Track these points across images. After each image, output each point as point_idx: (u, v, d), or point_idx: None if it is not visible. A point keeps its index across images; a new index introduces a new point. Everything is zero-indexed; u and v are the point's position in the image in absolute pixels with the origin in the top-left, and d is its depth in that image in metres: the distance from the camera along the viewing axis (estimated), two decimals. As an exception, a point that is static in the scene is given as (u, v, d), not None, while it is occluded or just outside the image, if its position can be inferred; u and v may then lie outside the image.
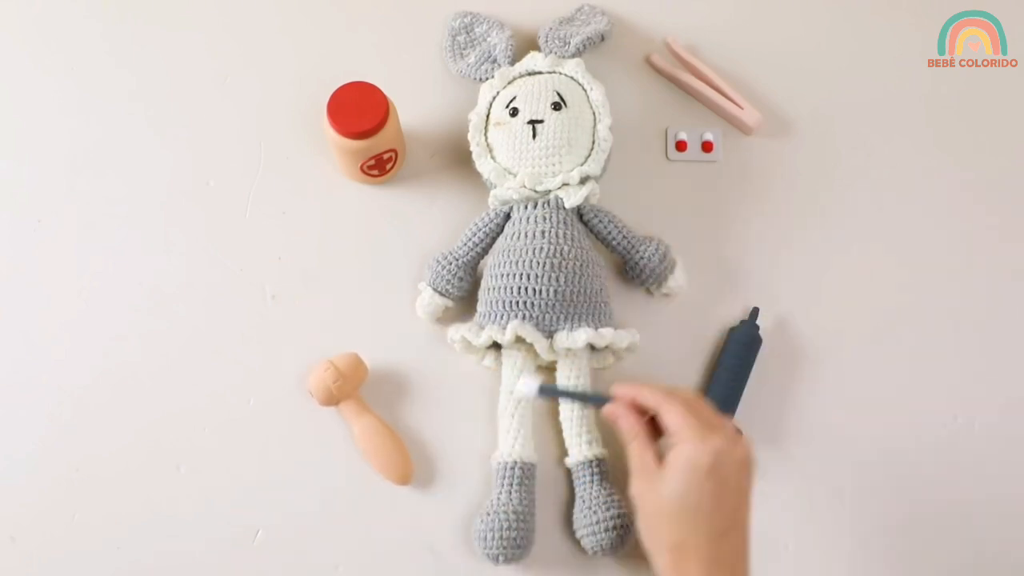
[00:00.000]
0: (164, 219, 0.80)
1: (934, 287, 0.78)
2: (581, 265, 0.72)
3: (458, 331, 0.73)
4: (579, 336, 0.70)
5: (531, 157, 0.74)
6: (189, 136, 0.82)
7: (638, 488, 0.61)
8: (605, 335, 0.71)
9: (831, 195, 0.80)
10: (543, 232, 0.72)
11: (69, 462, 0.74)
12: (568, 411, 0.73)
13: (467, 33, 0.83)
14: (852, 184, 0.81)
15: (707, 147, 0.81)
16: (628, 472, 0.63)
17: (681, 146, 0.81)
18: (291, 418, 0.75)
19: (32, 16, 0.86)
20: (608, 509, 0.70)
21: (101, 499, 0.74)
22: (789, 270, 0.79)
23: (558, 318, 0.72)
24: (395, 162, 0.79)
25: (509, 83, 0.78)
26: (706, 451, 0.58)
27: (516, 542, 0.69)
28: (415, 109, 0.80)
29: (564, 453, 0.73)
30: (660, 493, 0.59)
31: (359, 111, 0.73)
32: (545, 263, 0.71)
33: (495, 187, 0.75)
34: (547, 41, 0.80)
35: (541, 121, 0.74)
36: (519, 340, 0.72)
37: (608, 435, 0.72)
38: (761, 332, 0.76)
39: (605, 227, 0.75)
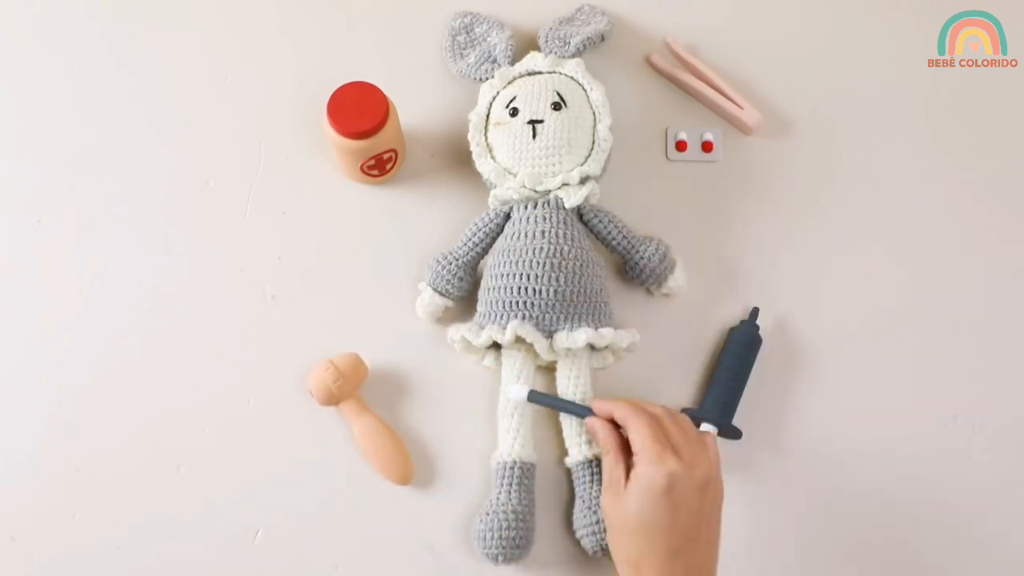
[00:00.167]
0: (164, 219, 0.80)
1: (934, 287, 0.78)
2: (581, 265, 0.72)
3: (458, 331, 0.73)
4: (579, 336, 0.70)
5: (531, 157, 0.74)
6: (189, 136, 0.82)
7: (605, 502, 0.66)
8: (605, 335, 0.71)
9: (831, 195, 0.81)
10: (543, 232, 0.72)
11: (69, 462, 0.74)
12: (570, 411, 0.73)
13: (467, 33, 0.83)
14: (852, 184, 0.81)
15: (707, 147, 0.81)
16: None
17: (681, 146, 0.81)
18: (291, 418, 0.75)
19: (32, 16, 0.86)
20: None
21: (101, 499, 0.74)
22: (789, 270, 0.79)
23: (558, 318, 0.72)
24: (395, 162, 0.79)
25: (509, 83, 0.78)
26: (660, 473, 0.62)
27: (516, 542, 0.69)
28: (415, 109, 0.80)
29: (564, 453, 0.73)
30: (622, 509, 0.63)
31: (359, 111, 0.73)
32: (545, 263, 0.71)
33: (495, 187, 0.75)
34: (547, 41, 0.80)
35: (541, 121, 0.74)
36: (519, 340, 0.72)
37: (608, 435, 0.72)
38: (761, 332, 0.76)
39: (605, 227, 0.75)
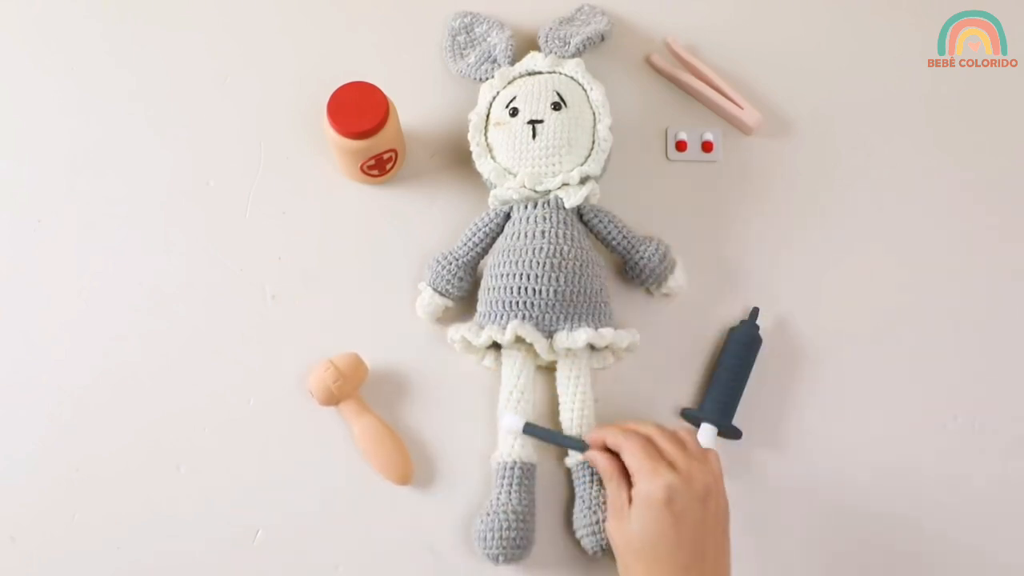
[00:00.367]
0: (164, 219, 0.80)
1: (934, 287, 0.78)
2: (581, 265, 0.72)
3: (458, 331, 0.73)
4: (579, 336, 0.70)
5: (531, 157, 0.74)
6: (189, 136, 0.82)
7: (611, 528, 0.65)
8: (605, 335, 0.71)
9: (831, 195, 0.81)
10: (543, 232, 0.72)
11: (69, 462, 0.74)
12: (568, 411, 0.73)
13: (467, 33, 0.83)
14: (852, 184, 0.81)
15: (707, 147, 0.81)
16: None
17: (681, 146, 0.81)
18: (291, 418, 0.75)
19: (32, 16, 0.86)
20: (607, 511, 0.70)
21: (101, 499, 0.74)
22: (789, 270, 0.79)
23: (558, 318, 0.72)
24: (395, 162, 0.79)
25: (509, 83, 0.78)
26: (657, 486, 0.62)
27: (516, 542, 0.69)
28: (415, 109, 0.80)
29: (564, 453, 0.73)
30: (626, 531, 0.63)
31: (359, 111, 0.73)
32: (545, 263, 0.71)
33: (495, 187, 0.75)
34: (547, 41, 0.80)
35: (541, 121, 0.74)
36: (519, 340, 0.72)
37: (608, 435, 0.72)
38: (761, 332, 0.76)
39: (605, 227, 0.75)
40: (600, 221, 0.75)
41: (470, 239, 0.75)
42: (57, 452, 0.74)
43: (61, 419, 0.75)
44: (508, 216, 0.75)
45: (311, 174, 0.81)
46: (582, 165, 0.74)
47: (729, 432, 0.73)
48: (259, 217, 0.80)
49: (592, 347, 0.73)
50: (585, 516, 0.70)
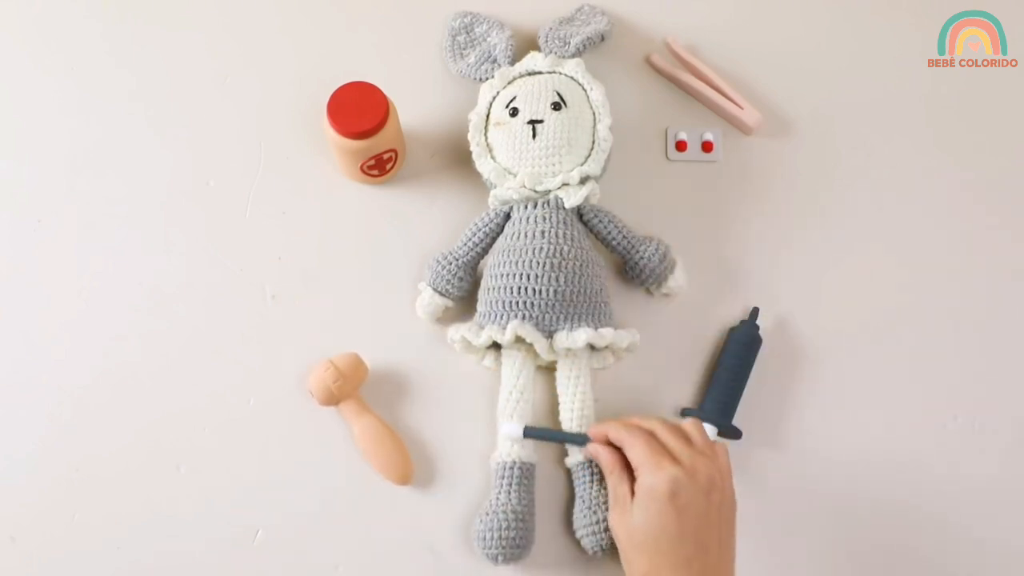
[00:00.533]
0: (164, 219, 0.80)
1: (934, 287, 0.78)
2: (581, 265, 0.72)
3: (458, 331, 0.73)
4: (579, 336, 0.70)
5: (531, 157, 0.74)
6: (189, 136, 0.82)
7: (613, 520, 0.66)
8: (605, 335, 0.71)
9: (831, 195, 0.81)
10: (543, 232, 0.72)
11: (69, 462, 0.74)
12: (568, 411, 0.73)
13: (467, 33, 0.83)
14: (852, 184, 0.81)
15: (707, 147, 0.81)
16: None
17: (681, 146, 0.81)
18: (291, 418, 0.75)
19: (32, 16, 0.86)
20: (608, 509, 0.70)
21: (101, 499, 0.74)
22: (789, 270, 0.79)
23: (558, 318, 0.72)
24: (395, 162, 0.79)
25: (509, 83, 0.78)
26: (661, 479, 0.62)
27: (516, 542, 0.69)
28: (415, 109, 0.80)
29: (564, 453, 0.73)
30: (629, 523, 0.63)
31: (359, 111, 0.73)
32: (545, 263, 0.71)
33: (495, 187, 0.75)
34: (547, 41, 0.80)
35: (541, 121, 0.74)
36: (519, 340, 0.72)
37: (608, 435, 0.72)
38: (761, 332, 0.76)
39: (605, 227, 0.75)
40: (600, 221, 0.75)
41: (470, 239, 0.75)
42: (57, 452, 0.74)
43: (61, 419, 0.75)
44: (508, 216, 0.75)
45: (311, 174, 0.81)
46: (582, 165, 0.74)
47: (729, 432, 0.73)
48: (259, 217, 0.80)
49: (592, 347, 0.73)
50: (585, 516, 0.70)
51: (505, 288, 0.72)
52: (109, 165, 0.81)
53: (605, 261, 0.77)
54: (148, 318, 0.77)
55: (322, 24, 0.85)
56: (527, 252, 0.72)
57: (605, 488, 0.71)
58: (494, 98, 0.78)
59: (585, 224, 0.76)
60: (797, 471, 0.74)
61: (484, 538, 0.69)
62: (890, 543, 0.73)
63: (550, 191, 0.74)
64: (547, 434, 0.72)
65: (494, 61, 0.80)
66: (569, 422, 0.73)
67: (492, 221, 0.75)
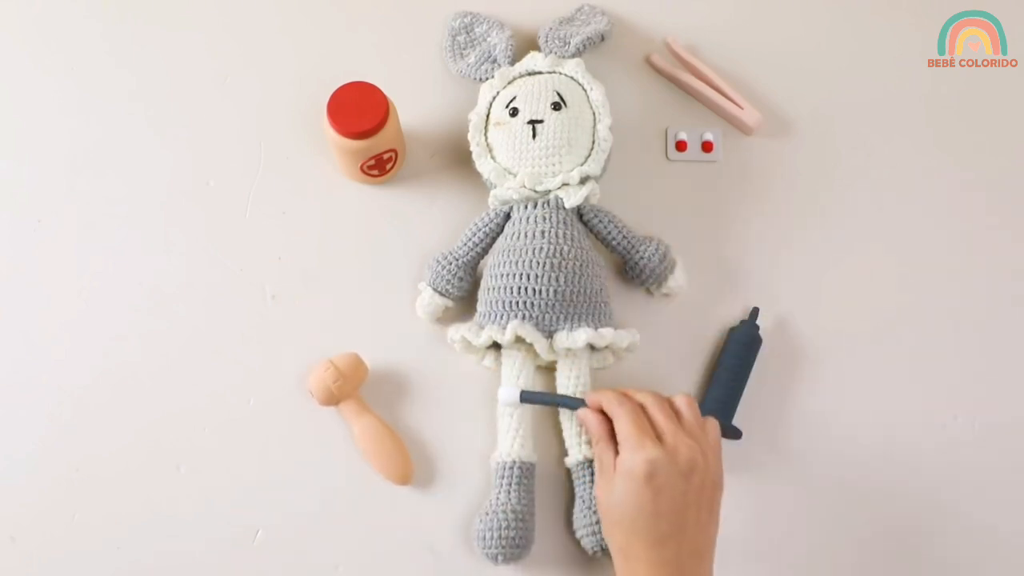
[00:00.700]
0: (164, 219, 0.80)
1: (934, 287, 0.78)
2: (581, 265, 0.72)
3: (458, 331, 0.73)
4: (579, 336, 0.70)
5: (531, 157, 0.74)
6: (189, 136, 0.82)
7: (598, 489, 0.66)
8: (605, 335, 0.71)
9: (831, 195, 0.81)
10: (543, 232, 0.72)
11: (69, 462, 0.74)
12: (568, 411, 0.73)
13: (467, 33, 0.83)
14: (852, 184, 0.81)
15: (707, 147, 0.81)
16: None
17: (681, 146, 0.81)
18: (291, 418, 0.75)
19: (32, 16, 0.86)
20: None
21: (101, 499, 0.74)
22: (789, 270, 0.79)
23: (558, 318, 0.72)
24: (395, 162, 0.79)
25: (509, 83, 0.78)
26: (639, 460, 0.62)
27: (516, 542, 0.69)
28: (415, 109, 0.80)
29: (564, 453, 0.73)
30: (608, 498, 0.63)
31: (359, 111, 0.73)
32: (545, 263, 0.71)
33: (495, 187, 0.75)
34: (547, 41, 0.80)
35: (541, 121, 0.74)
36: (519, 340, 0.72)
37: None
38: (761, 332, 0.76)
39: (605, 227, 0.75)
40: (600, 221, 0.75)
41: (470, 239, 0.75)
42: (57, 452, 0.74)
43: (61, 419, 0.75)
44: (508, 216, 0.75)
45: (311, 174, 0.81)
46: (582, 165, 0.74)
47: (729, 432, 0.73)
48: (259, 217, 0.80)
49: (592, 347, 0.73)
50: (585, 516, 0.70)
51: (505, 288, 0.72)
52: (109, 165, 0.81)
53: (605, 261, 0.77)
54: (148, 318, 0.77)
55: (322, 24, 0.85)
56: (527, 252, 0.72)
57: (593, 448, 0.70)
58: (494, 98, 0.78)
59: (585, 224, 0.76)
60: (797, 471, 0.74)
61: (484, 538, 0.69)
62: (890, 543, 0.73)
63: (550, 191, 0.74)
64: (544, 398, 0.72)
65: (494, 61, 0.80)
66: (569, 422, 0.73)
67: (492, 221, 0.75)
